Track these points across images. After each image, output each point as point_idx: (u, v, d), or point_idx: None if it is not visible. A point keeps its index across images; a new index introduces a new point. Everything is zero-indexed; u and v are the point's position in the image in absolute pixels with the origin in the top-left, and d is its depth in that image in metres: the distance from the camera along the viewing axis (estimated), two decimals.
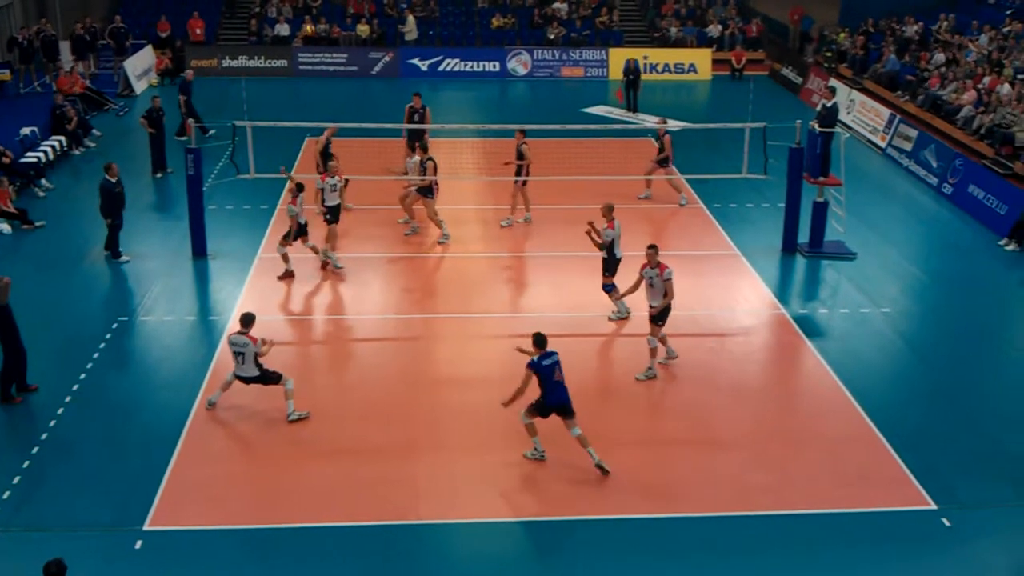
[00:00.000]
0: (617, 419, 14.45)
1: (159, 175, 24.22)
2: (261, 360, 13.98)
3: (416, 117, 23.24)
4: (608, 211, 17.10)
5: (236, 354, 13.97)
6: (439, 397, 15.06)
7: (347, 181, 20.58)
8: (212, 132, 25.21)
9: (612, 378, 15.75)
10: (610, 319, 17.36)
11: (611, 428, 14.16)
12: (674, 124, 25.24)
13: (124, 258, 19.57)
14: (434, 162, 20.35)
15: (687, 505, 12.55)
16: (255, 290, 18.38)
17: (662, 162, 23.01)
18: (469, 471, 13.15)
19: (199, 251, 19.66)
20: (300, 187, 18.69)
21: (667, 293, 15.31)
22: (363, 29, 37.85)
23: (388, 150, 24.34)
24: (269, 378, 14.10)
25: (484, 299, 18.32)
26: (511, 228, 21.53)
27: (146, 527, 11.86)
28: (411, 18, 37.91)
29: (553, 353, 13.03)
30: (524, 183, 21.35)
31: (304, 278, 18.84)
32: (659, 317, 15.44)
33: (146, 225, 21.42)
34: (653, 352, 15.54)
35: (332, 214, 19.26)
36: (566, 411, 13.00)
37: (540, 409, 13.10)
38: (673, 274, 15.26)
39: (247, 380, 14.07)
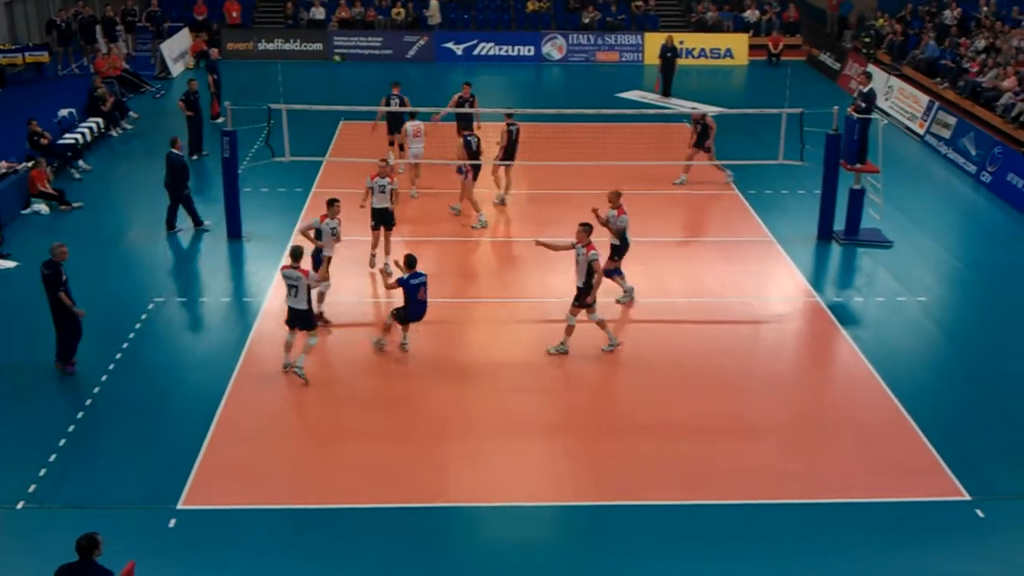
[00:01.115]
0: (649, 403, 14.43)
1: (195, 157, 24.37)
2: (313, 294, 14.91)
3: (467, 105, 23.14)
4: (615, 198, 16.99)
5: (289, 287, 14.58)
6: (468, 381, 15.09)
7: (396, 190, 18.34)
8: (221, 119, 24.70)
9: (640, 363, 15.68)
10: (618, 302, 17.31)
11: (643, 413, 14.16)
12: (711, 109, 25.08)
13: (179, 229, 20.02)
14: (471, 143, 20.40)
15: (720, 492, 12.51)
16: None
17: (704, 147, 22.91)
18: (499, 455, 13.19)
19: (234, 233, 19.78)
20: (331, 202, 16.71)
21: (592, 274, 15.22)
22: (398, 12, 37.85)
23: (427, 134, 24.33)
24: (308, 320, 14.79)
25: (517, 284, 18.33)
26: (518, 207, 21.54)
27: (180, 506, 11.98)
28: (434, 2, 37.84)
29: (421, 274, 15.05)
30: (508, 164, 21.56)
31: (340, 258, 18.89)
32: (578, 298, 15.43)
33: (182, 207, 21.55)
34: (569, 330, 15.58)
35: (377, 218, 18.08)
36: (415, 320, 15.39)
37: (400, 316, 15.32)
38: (598, 257, 15.22)
39: (293, 314, 14.70)
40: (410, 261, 15.01)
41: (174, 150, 19.87)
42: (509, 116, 21.53)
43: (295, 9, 38.12)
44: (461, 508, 12.23)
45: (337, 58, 35.91)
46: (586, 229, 15.38)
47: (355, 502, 12.19)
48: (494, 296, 17.78)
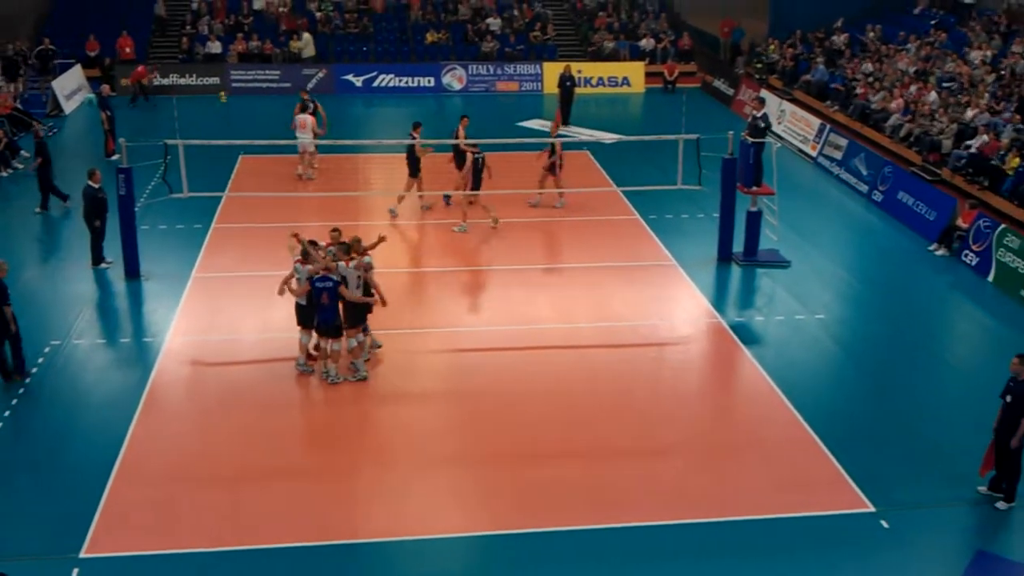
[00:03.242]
0: (561, 429, 14.48)
1: (39, 211, 23.17)
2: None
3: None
4: (356, 243, 15.84)
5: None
6: (379, 414, 14.98)
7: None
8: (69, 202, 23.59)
9: (549, 389, 15.75)
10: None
11: (555, 439, 14.21)
12: (609, 137, 25.41)
13: (106, 263, 19.74)
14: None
15: (630, 514, 12.58)
16: (190, 310, 18.15)
17: (551, 168, 23.20)
18: (413, 488, 13.08)
19: (132, 272, 19.37)
20: (312, 245, 15.66)
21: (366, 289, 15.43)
22: (297, 45, 37.63)
23: (326, 166, 24.22)
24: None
25: (431, 313, 18.28)
26: (461, 235, 21.69)
27: (83, 554, 11.62)
28: (307, 35, 37.66)
29: (329, 279, 14.90)
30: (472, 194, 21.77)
31: (242, 294, 18.66)
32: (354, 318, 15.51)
33: (79, 244, 21.01)
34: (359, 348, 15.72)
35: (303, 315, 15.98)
36: (327, 331, 15.19)
37: (299, 317, 15.51)
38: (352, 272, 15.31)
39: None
40: (345, 248, 15.26)
41: (91, 182, 19.55)
42: (474, 146, 21.63)
43: (190, 43, 37.65)
44: (376, 544, 12.07)
45: (222, 96, 35.26)
46: (343, 249, 15.44)
47: (265, 542, 11.95)
48: (405, 327, 17.68)
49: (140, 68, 34.77)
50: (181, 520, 12.37)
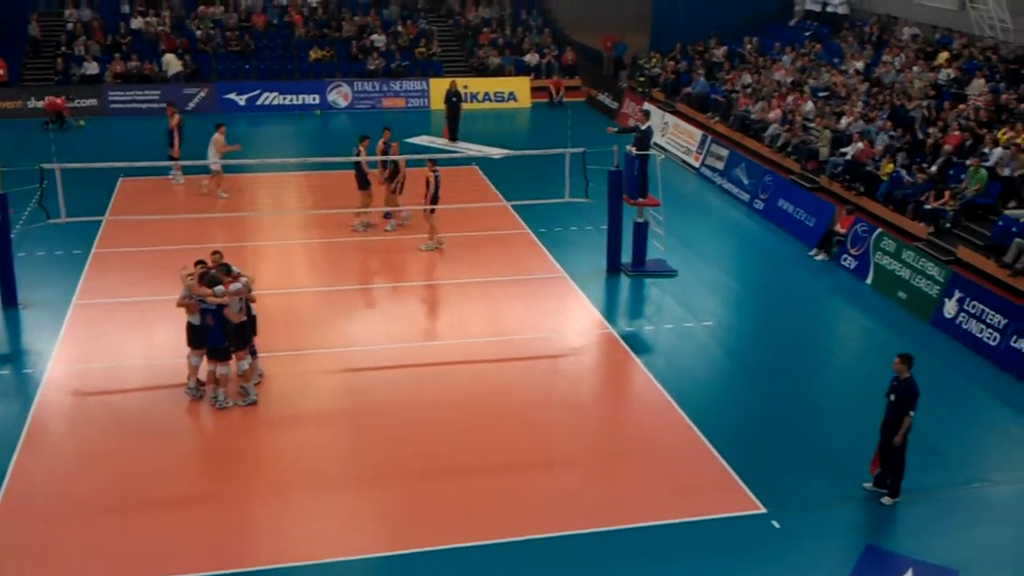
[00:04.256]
0: (455, 445, 14.45)
1: None
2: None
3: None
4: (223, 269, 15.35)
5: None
6: (277, 437, 14.75)
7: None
8: None
9: (445, 405, 15.71)
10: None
11: (450, 455, 14.17)
12: (497, 152, 25.54)
13: (21, 305, 18.92)
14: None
15: (527, 527, 12.60)
16: (72, 339, 17.60)
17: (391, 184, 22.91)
18: (307, 511, 12.90)
19: (9, 301, 18.72)
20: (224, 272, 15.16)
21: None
22: (175, 64, 36.90)
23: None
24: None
25: (322, 334, 18.06)
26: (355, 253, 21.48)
27: None
28: (168, 56, 37.04)
29: (212, 305, 14.70)
30: (431, 210, 21.59)
31: (126, 320, 18.18)
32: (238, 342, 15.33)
33: None
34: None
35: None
36: (215, 354, 15.07)
37: (190, 336, 15.28)
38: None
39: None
40: (210, 280, 14.77)
41: None
42: (432, 163, 21.48)
43: (66, 64, 36.63)
44: (272, 571, 11.82)
45: (81, 123, 34.13)
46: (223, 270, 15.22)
47: (155, 574, 11.64)
48: (295, 348, 17.43)
49: (60, 100, 33.58)
50: (67, 559, 11.94)
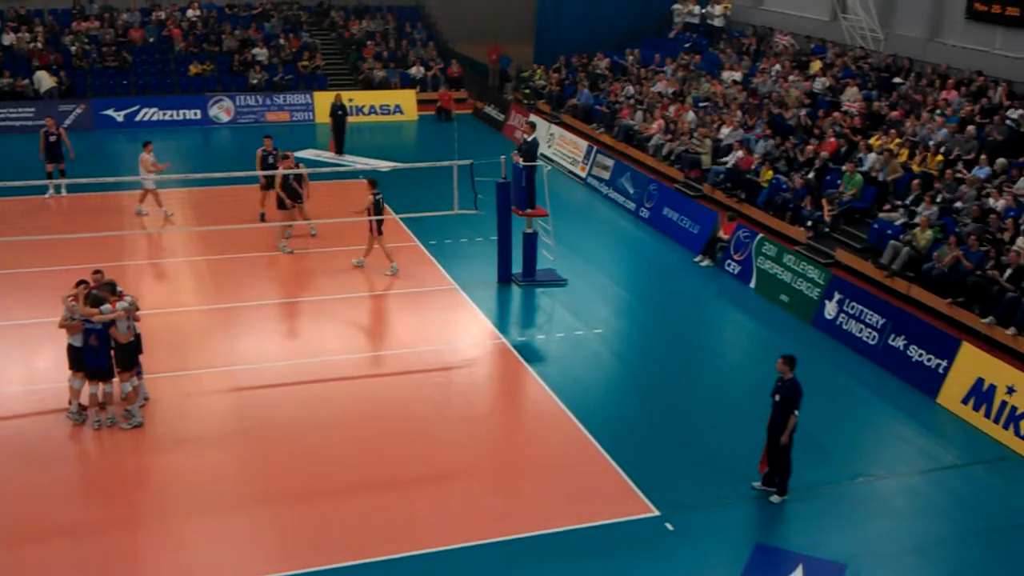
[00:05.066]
0: (350, 460, 14.30)
1: None
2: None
3: (271, 159, 23.33)
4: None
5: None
6: (164, 459, 14.38)
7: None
8: None
9: (336, 422, 15.55)
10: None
11: (345, 471, 14.02)
12: (384, 165, 25.41)
13: None
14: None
15: (424, 541, 12.55)
16: None
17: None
18: (200, 535, 12.61)
19: None
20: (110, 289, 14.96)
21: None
22: (49, 81, 35.79)
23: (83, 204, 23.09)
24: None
25: (207, 353, 17.66)
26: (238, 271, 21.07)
27: None
28: (40, 72, 35.97)
29: (97, 325, 14.45)
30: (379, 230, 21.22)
31: (3, 345, 17.54)
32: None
33: None
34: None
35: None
36: (97, 374, 14.78)
37: (72, 359, 14.88)
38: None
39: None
40: (94, 300, 14.56)
41: None
42: (373, 184, 21.07)
43: None
44: None
45: None
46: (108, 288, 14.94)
47: None
48: (179, 369, 17.02)
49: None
50: None
